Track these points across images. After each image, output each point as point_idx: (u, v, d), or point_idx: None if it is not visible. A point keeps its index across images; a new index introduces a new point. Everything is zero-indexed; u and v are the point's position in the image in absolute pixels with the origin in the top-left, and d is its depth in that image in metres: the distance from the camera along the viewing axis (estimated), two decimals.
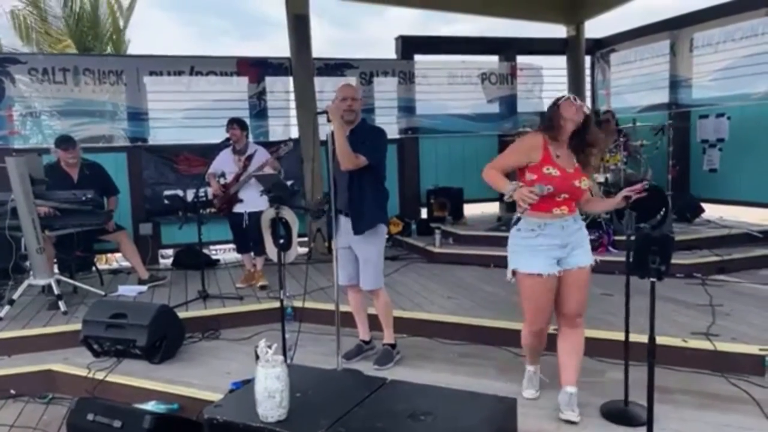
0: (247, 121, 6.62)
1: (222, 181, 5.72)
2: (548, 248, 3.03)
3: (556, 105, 3.09)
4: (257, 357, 2.42)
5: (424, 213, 8.54)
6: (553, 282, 3.06)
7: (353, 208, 3.73)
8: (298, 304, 4.49)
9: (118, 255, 7.66)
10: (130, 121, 7.37)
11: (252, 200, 5.48)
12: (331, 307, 3.92)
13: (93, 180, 5.86)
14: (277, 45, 15.09)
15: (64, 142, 5.82)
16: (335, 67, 8.16)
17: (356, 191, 3.72)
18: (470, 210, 8.90)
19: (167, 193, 7.39)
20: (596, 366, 3.80)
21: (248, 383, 2.68)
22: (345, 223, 3.79)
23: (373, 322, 4.14)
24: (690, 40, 7.65)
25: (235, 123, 5.76)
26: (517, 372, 3.80)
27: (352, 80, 8.06)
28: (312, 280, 5.70)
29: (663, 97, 8.05)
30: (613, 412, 3.11)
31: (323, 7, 17.73)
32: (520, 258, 3.09)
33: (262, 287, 5.66)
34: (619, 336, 3.24)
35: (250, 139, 6.08)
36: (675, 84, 7.86)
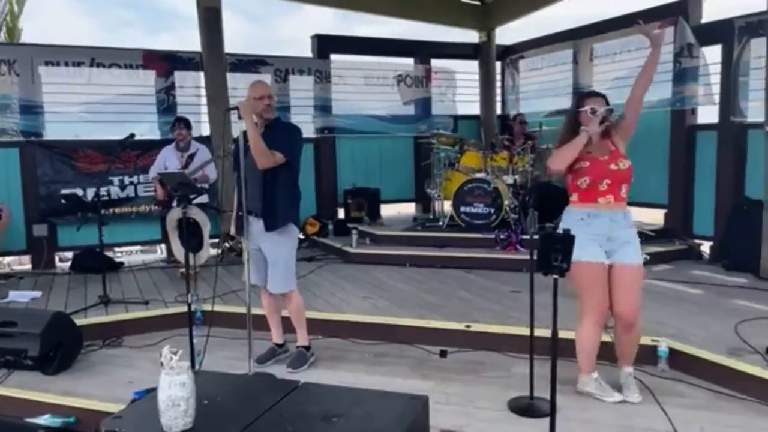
0: (154, 116, 6.35)
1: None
2: (596, 237, 3.12)
3: (576, 112, 3.22)
4: (163, 364, 2.30)
5: (341, 213, 8.52)
6: (605, 269, 3.14)
7: (265, 206, 3.64)
8: (207, 307, 4.33)
9: (9, 258, 7.09)
10: (23, 115, 6.83)
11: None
12: (243, 310, 3.81)
13: None
14: (187, 39, 14.51)
15: None
16: (249, 64, 7.96)
17: (269, 190, 3.64)
18: (387, 210, 8.99)
19: (64, 192, 6.93)
20: (504, 361, 3.93)
21: (152, 392, 2.54)
22: (255, 223, 3.69)
23: (289, 325, 4.07)
24: (590, 49, 8.09)
25: (182, 122, 5.98)
26: (431, 369, 3.86)
27: (267, 77, 7.90)
28: (224, 283, 5.54)
29: (567, 102, 8.43)
30: (520, 406, 3.22)
31: (236, 1, 17.28)
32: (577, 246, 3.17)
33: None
34: (526, 331, 3.35)
35: (192, 138, 6.23)
36: (577, 91, 8.28)
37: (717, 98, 6.48)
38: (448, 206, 7.29)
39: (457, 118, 9.55)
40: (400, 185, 9.21)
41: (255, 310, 4.02)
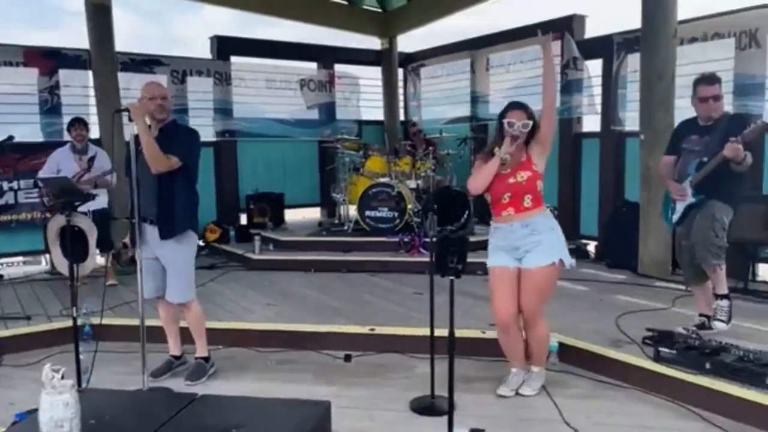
0: (37, 117, 5.92)
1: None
2: (504, 248, 3.34)
3: (500, 122, 3.32)
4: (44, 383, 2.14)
5: (243, 219, 8.33)
6: (507, 274, 3.31)
7: (161, 213, 3.49)
8: (97, 320, 4.08)
9: None
10: None
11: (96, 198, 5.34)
12: (137, 322, 3.62)
13: None
14: (76, 36, 13.60)
15: None
16: (142, 63, 7.60)
17: (165, 195, 3.50)
18: (291, 215, 8.90)
19: None
20: (408, 362, 4.01)
21: (34, 414, 2.36)
22: (150, 231, 3.53)
23: (188, 336, 3.92)
24: (486, 59, 8.46)
25: (81, 123, 5.74)
26: (335, 374, 3.86)
27: (163, 78, 7.58)
28: (116, 294, 5.25)
29: (465, 110, 8.79)
30: (422, 406, 3.30)
31: None
32: (488, 255, 3.42)
33: (111, 285, 5.49)
34: (428, 332, 3.44)
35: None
36: (475, 99, 8.63)
37: (599, 108, 7.01)
38: (353, 210, 7.34)
39: (361, 123, 9.65)
40: (304, 190, 9.16)
41: (151, 322, 3.85)
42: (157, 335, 3.91)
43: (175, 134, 3.56)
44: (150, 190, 3.47)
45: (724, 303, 3.93)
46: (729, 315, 3.93)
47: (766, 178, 5.48)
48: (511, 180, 3.28)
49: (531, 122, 3.26)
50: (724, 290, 3.93)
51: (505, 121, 3.26)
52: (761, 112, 5.46)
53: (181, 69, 7.93)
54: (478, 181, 3.29)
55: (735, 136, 3.55)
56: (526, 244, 3.29)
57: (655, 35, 5.62)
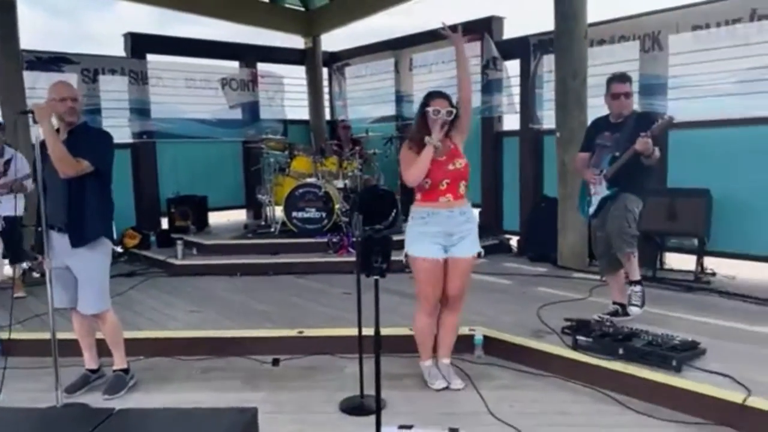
0: None
1: None
2: (434, 235, 3.32)
3: (424, 111, 3.36)
4: None
5: (165, 223, 8.04)
6: (438, 265, 3.32)
7: (71, 220, 3.31)
8: (4, 335, 3.82)
9: None
10: None
11: (7, 203, 5.09)
12: (48, 335, 3.41)
13: None
14: None
15: None
16: (50, 62, 7.19)
17: (76, 201, 3.31)
18: (216, 218, 8.68)
19: None
20: (337, 363, 3.99)
21: None
22: (60, 239, 3.34)
23: (106, 348, 3.73)
24: (409, 59, 8.57)
25: None
26: (263, 379, 3.80)
27: (73, 77, 7.20)
28: (25, 307, 4.94)
29: (391, 110, 8.88)
30: (351, 406, 3.30)
31: None
32: (412, 243, 3.38)
33: (19, 297, 5.17)
34: (355, 332, 3.44)
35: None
36: (399, 98, 8.73)
37: (518, 107, 7.25)
38: (279, 212, 7.24)
39: (286, 123, 9.53)
40: (229, 191, 8.95)
41: (64, 334, 3.65)
42: (71, 348, 3.71)
43: (85, 137, 3.37)
44: (59, 195, 3.28)
45: (638, 288, 4.18)
46: (642, 299, 4.19)
47: (671, 172, 5.85)
48: (450, 167, 3.36)
49: (454, 110, 3.35)
50: (637, 276, 4.18)
51: (431, 108, 3.33)
52: (665, 110, 5.82)
53: (92, 67, 7.56)
54: (416, 170, 3.31)
55: (644, 132, 3.79)
56: (462, 231, 3.40)
57: (567, 37, 5.88)
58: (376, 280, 2.61)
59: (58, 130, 3.31)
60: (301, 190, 6.91)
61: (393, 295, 4.87)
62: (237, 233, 7.63)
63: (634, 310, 4.17)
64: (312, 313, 4.75)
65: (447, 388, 3.50)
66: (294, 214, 6.91)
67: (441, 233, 3.36)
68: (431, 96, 3.42)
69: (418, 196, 3.45)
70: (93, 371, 3.71)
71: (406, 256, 3.42)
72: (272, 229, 7.28)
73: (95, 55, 7.67)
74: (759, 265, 5.54)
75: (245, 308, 4.99)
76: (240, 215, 9.29)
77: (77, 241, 3.32)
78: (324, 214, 6.84)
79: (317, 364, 4.02)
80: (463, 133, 3.47)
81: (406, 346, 3.98)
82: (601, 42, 6.32)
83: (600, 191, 4.17)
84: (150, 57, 8.16)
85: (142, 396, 3.56)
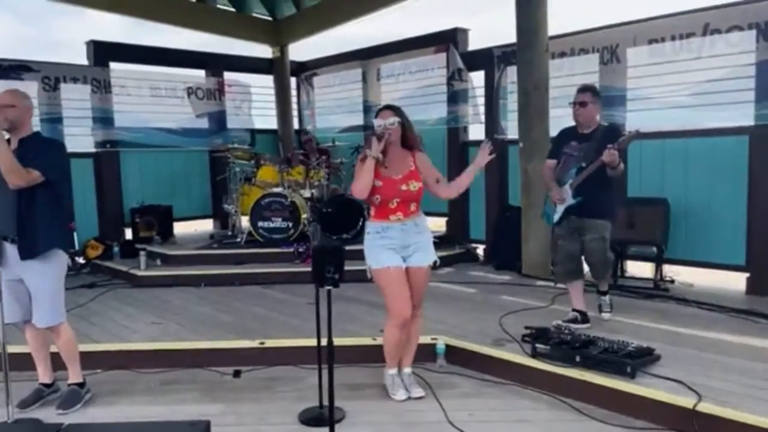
0: None
1: None
2: (392, 246, 3.37)
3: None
4: None
5: (129, 234, 7.90)
6: (401, 273, 3.36)
7: (21, 231, 3.23)
8: None
9: None
10: None
11: None
12: None
13: None
14: None
15: None
16: (9, 69, 7.03)
17: (26, 212, 3.24)
18: (182, 228, 8.57)
19: None
20: (298, 374, 3.97)
21: None
22: (11, 250, 3.26)
23: (61, 361, 3.64)
24: (377, 70, 8.61)
25: None
26: (223, 391, 3.75)
27: (33, 85, 7.06)
28: None
29: (358, 119, 8.89)
30: (310, 417, 3.28)
31: None
32: (372, 256, 3.40)
33: None
34: (315, 343, 3.43)
35: None
36: (367, 108, 8.73)
37: (483, 118, 7.34)
38: (246, 222, 7.18)
39: (254, 132, 9.48)
40: (194, 201, 8.85)
41: (18, 348, 3.60)
42: (25, 362, 3.62)
43: (36, 147, 3.31)
44: (8, 205, 3.21)
45: (607, 297, 4.59)
46: (611, 305, 4.60)
47: (630, 182, 5.99)
48: (404, 187, 3.37)
49: (396, 119, 3.37)
50: (606, 288, 4.58)
51: (376, 121, 3.39)
52: (624, 121, 5.97)
53: (53, 75, 7.41)
54: (359, 183, 3.33)
55: (612, 144, 3.90)
56: (417, 241, 3.43)
57: (529, 49, 5.98)
58: (329, 291, 2.60)
59: (9, 141, 3.24)
60: (267, 200, 6.88)
61: (361, 305, 4.88)
62: (203, 243, 7.55)
63: (605, 315, 4.55)
64: (275, 324, 4.72)
65: (408, 398, 3.50)
66: (260, 223, 6.87)
67: (397, 245, 3.39)
68: (380, 110, 3.49)
69: (372, 211, 3.49)
70: (47, 385, 3.62)
71: (370, 270, 3.43)
72: (238, 239, 7.22)
73: (57, 63, 7.53)
74: (716, 273, 5.69)
75: (208, 319, 4.93)
76: (207, 225, 9.19)
77: (26, 254, 3.24)
78: (290, 224, 6.81)
79: (278, 375, 3.99)
80: (427, 176, 3.48)
81: (369, 356, 3.99)
82: (562, 54, 6.45)
83: (566, 200, 4.27)
84: (114, 65, 8.04)
85: (97, 410, 3.48)
